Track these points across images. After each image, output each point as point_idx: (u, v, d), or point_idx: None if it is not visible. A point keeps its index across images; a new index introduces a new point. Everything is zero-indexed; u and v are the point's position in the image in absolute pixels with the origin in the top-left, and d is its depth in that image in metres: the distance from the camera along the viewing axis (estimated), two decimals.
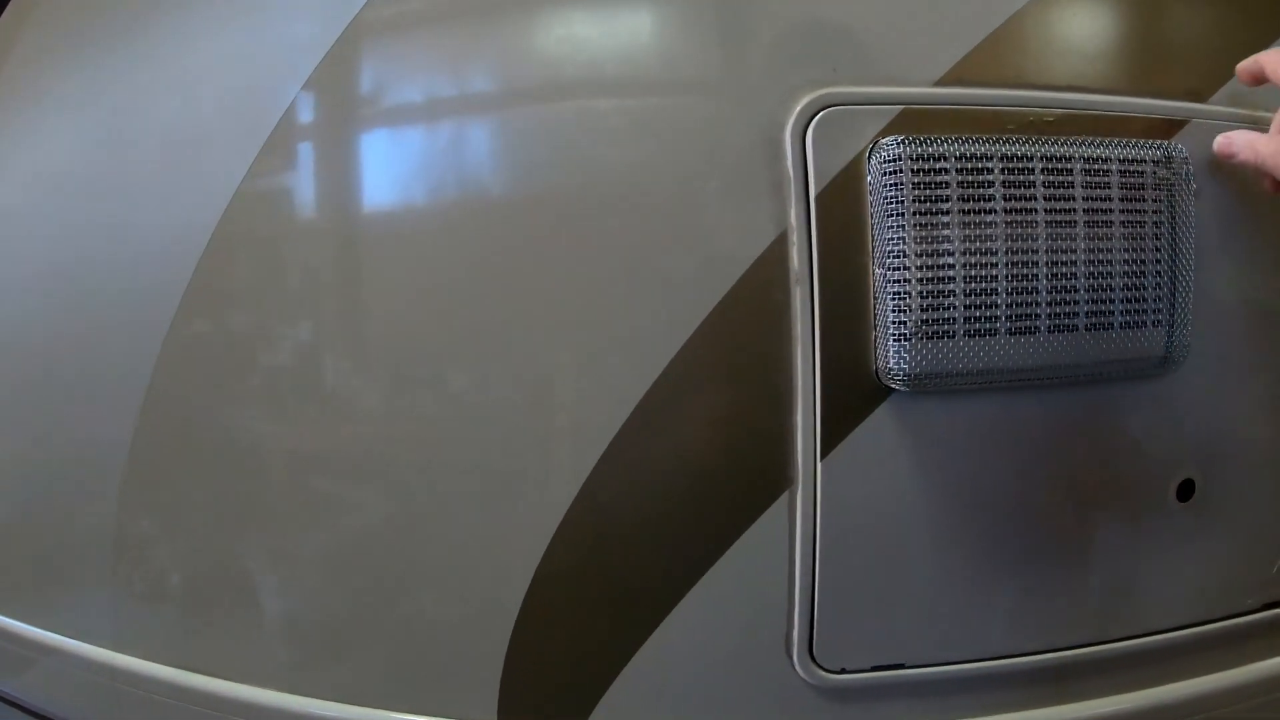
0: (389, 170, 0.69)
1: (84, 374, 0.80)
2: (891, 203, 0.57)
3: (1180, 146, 0.62)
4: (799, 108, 0.59)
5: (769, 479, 0.60)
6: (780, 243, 0.59)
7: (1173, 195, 0.61)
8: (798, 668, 0.63)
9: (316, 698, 0.72)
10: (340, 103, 0.70)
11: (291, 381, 0.72)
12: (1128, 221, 0.60)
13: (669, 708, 0.66)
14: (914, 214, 0.57)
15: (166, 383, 0.74)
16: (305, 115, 0.70)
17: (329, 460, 0.72)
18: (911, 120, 0.60)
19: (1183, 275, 0.61)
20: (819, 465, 0.60)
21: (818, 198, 0.59)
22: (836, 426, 0.60)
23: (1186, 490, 0.66)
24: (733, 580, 0.62)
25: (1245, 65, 0.60)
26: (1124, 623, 0.69)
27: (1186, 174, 0.61)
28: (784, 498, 0.60)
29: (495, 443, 0.64)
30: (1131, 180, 0.60)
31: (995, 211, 0.57)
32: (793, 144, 0.59)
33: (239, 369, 0.73)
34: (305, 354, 0.72)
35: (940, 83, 0.62)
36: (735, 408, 0.61)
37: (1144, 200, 0.60)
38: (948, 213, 0.57)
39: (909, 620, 0.65)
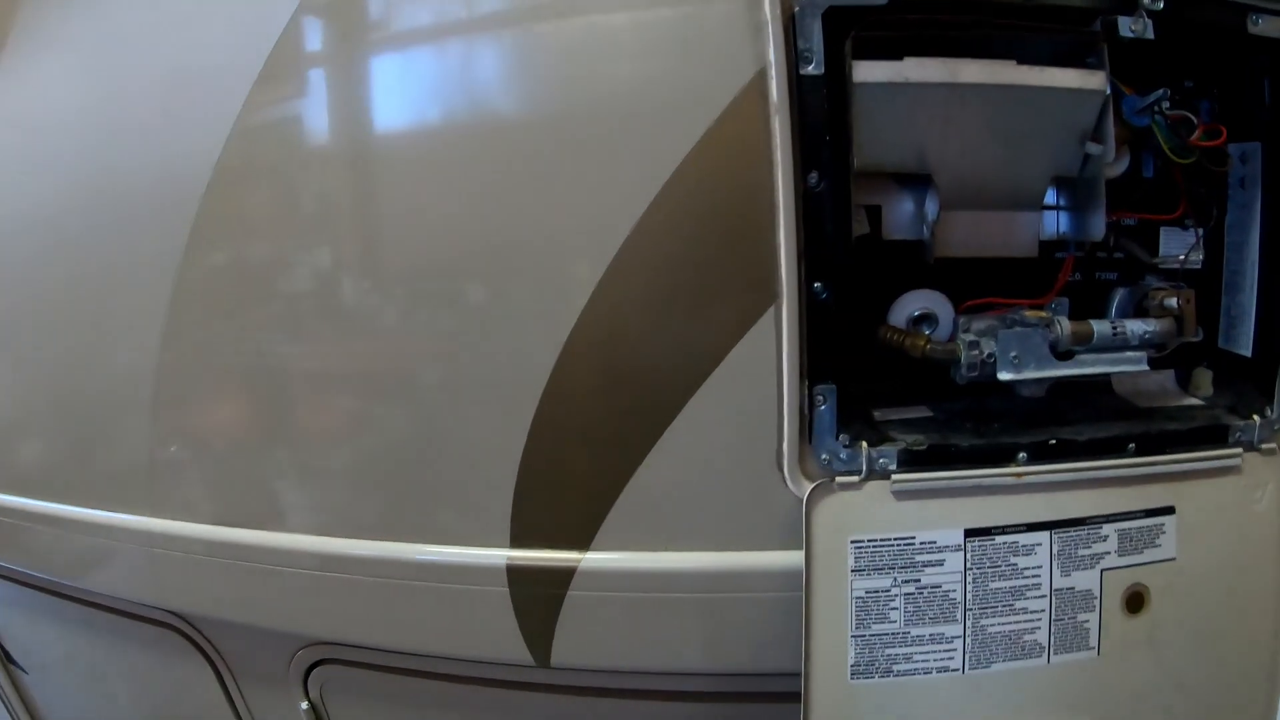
0: (399, 90, 0.74)
1: (106, 307, 0.85)
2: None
3: None
4: None
5: (756, 294, 0.65)
6: (760, 77, 0.64)
7: None
8: (788, 480, 0.68)
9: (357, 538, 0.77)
10: (340, 23, 0.75)
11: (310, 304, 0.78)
12: None
13: (664, 527, 0.71)
14: None
15: (185, 311, 0.80)
16: (305, 39, 0.76)
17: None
18: None
19: None
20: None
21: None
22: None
23: None
24: (722, 400, 0.67)
25: None
26: None
27: None
28: (769, 312, 0.65)
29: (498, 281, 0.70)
30: None
31: None
32: None
33: (253, 295, 0.79)
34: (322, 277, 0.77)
35: None
36: (719, 236, 0.66)
37: None
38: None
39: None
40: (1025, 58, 0.71)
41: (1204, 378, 0.84)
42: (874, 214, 0.73)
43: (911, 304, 0.74)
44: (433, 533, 0.76)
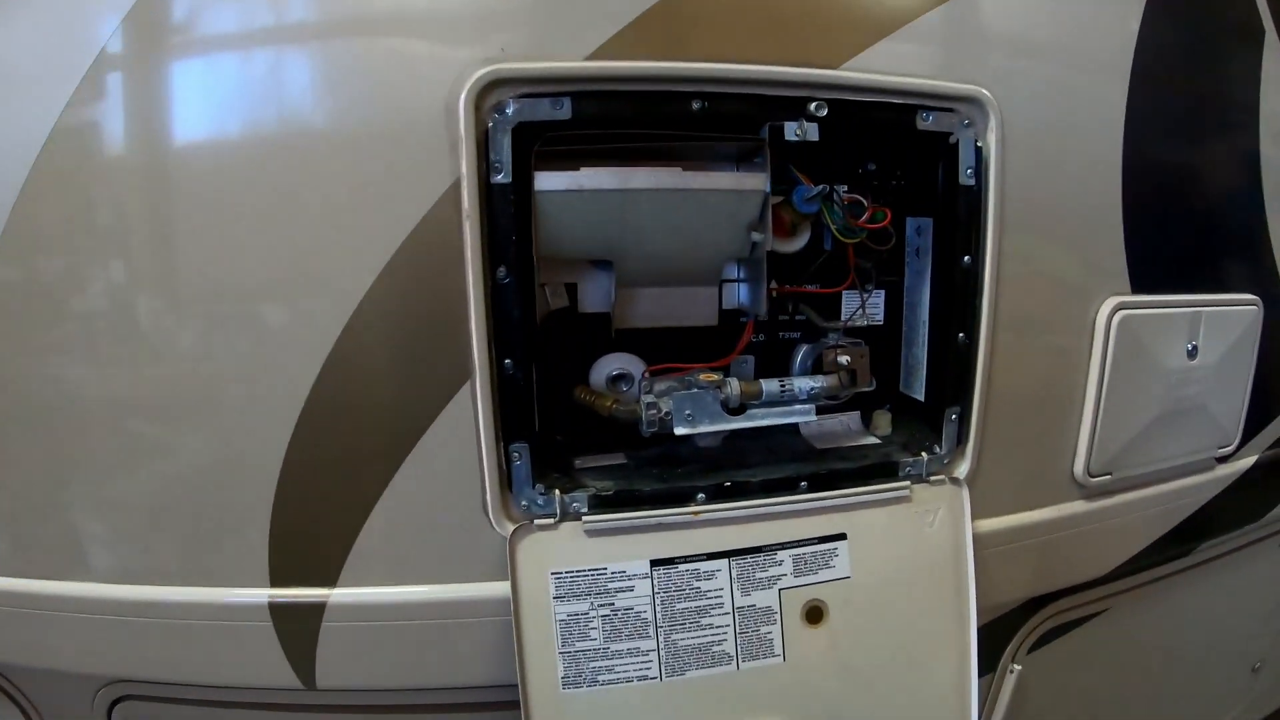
0: (206, 104, 0.77)
1: None
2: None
3: None
4: (471, 81, 0.75)
5: (455, 371, 0.77)
6: (454, 187, 0.76)
7: None
8: (493, 523, 0.81)
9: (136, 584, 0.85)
10: (160, 35, 0.77)
11: (107, 324, 0.81)
12: None
13: (397, 563, 0.82)
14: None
15: None
16: (123, 48, 0.78)
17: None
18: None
19: None
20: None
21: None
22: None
23: None
24: (436, 454, 0.79)
25: None
26: None
27: None
28: (466, 385, 0.77)
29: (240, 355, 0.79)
30: None
31: None
32: (465, 111, 0.75)
33: (54, 315, 0.81)
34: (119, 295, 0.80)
35: (592, 57, 0.78)
36: (426, 317, 0.77)
37: None
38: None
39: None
40: (702, 159, 0.84)
41: (883, 419, 1.00)
42: (572, 289, 0.85)
43: (608, 366, 0.87)
44: (203, 575, 0.85)
